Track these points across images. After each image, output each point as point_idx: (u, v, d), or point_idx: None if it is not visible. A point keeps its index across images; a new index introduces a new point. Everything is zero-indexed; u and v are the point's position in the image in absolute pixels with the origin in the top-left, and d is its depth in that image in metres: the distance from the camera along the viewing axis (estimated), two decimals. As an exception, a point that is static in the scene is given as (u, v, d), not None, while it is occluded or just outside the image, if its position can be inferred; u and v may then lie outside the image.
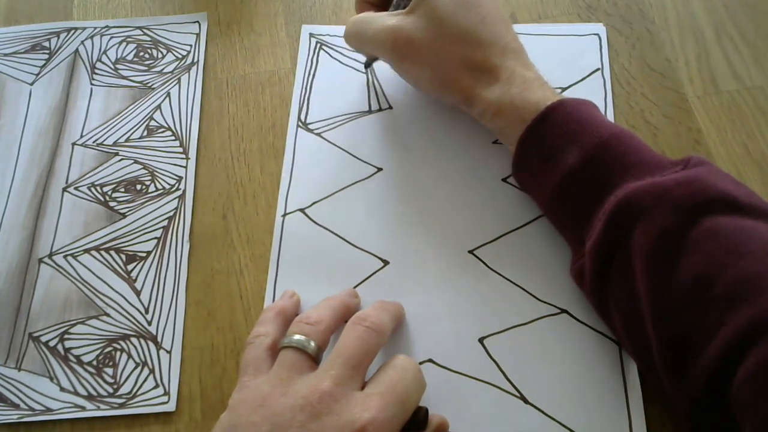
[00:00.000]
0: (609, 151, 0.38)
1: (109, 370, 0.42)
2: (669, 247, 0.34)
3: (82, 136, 0.51)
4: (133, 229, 0.47)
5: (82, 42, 0.55)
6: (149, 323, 0.44)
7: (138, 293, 0.45)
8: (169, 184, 0.49)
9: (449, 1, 0.42)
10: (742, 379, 0.29)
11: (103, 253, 0.46)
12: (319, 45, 0.54)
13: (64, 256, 0.46)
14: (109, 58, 0.54)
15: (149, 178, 0.49)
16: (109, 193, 0.48)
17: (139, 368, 0.42)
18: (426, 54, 0.43)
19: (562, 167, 0.39)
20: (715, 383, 0.31)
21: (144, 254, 0.46)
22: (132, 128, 0.51)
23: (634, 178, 0.37)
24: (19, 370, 0.43)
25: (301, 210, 0.47)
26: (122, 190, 0.49)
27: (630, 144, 0.38)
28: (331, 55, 0.53)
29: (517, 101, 0.40)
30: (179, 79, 0.53)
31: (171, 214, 0.47)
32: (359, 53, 0.50)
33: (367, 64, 0.51)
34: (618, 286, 0.36)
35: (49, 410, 0.41)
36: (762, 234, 0.33)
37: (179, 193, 0.48)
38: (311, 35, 0.54)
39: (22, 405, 0.41)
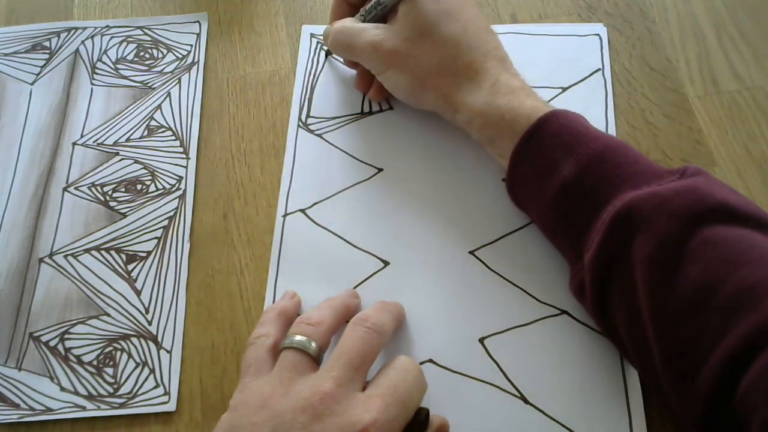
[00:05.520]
0: (605, 161, 0.37)
1: (110, 370, 0.42)
2: (669, 257, 0.34)
3: (82, 136, 0.51)
4: (134, 229, 0.47)
5: (83, 42, 0.55)
6: (149, 323, 0.44)
7: (138, 293, 0.45)
8: (169, 183, 0.49)
9: (432, 9, 0.43)
10: (750, 384, 0.29)
11: (103, 252, 0.46)
12: (319, 45, 0.54)
13: (65, 256, 0.46)
14: (109, 57, 0.54)
15: (149, 177, 0.49)
16: (110, 192, 0.48)
17: (140, 368, 0.42)
18: (408, 61, 0.44)
19: (558, 179, 0.38)
20: (721, 392, 0.31)
21: (144, 254, 0.46)
22: (132, 128, 0.51)
23: (632, 188, 0.36)
24: (20, 369, 0.43)
25: (302, 210, 0.47)
26: (122, 189, 0.49)
27: (626, 154, 0.38)
28: (331, 56, 0.53)
29: (505, 112, 0.40)
30: (180, 79, 0.53)
31: (171, 213, 0.47)
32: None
33: (328, 53, 0.53)
34: (620, 297, 0.36)
35: (49, 410, 0.41)
36: (759, 243, 0.33)
37: (179, 192, 0.48)
38: (312, 35, 0.54)
39: (23, 405, 0.42)
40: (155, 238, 0.47)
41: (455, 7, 0.44)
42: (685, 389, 0.33)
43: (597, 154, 0.38)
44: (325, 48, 0.53)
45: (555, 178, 0.38)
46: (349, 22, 0.47)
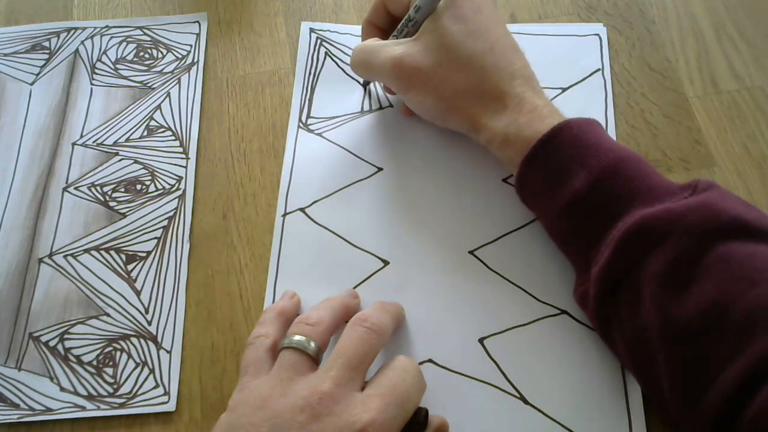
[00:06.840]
0: (617, 175, 0.37)
1: (109, 370, 0.42)
2: (681, 273, 0.33)
3: (82, 136, 0.51)
4: (133, 229, 0.47)
5: (82, 42, 0.55)
6: (149, 323, 0.44)
7: (138, 293, 0.45)
8: (169, 184, 0.49)
9: (457, 29, 0.41)
10: (764, 406, 0.29)
11: (103, 253, 0.46)
12: (319, 41, 0.53)
13: (64, 256, 0.46)
14: (109, 58, 0.54)
15: (149, 178, 0.49)
16: (109, 193, 0.48)
17: (139, 368, 0.42)
18: (431, 81, 0.42)
19: (569, 190, 0.38)
20: (731, 412, 0.30)
21: (144, 254, 0.46)
22: (132, 128, 0.51)
23: (643, 204, 0.36)
24: (19, 370, 0.43)
25: (302, 209, 0.47)
26: (122, 190, 0.49)
27: (638, 168, 0.37)
28: (331, 52, 0.53)
29: (525, 130, 0.40)
30: (179, 79, 0.53)
31: (171, 214, 0.47)
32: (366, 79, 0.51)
33: (366, 83, 0.51)
34: (625, 313, 0.36)
35: (49, 410, 0.41)
36: None
37: (179, 193, 0.48)
38: (311, 30, 0.54)
39: (22, 405, 0.42)
40: (155, 238, 0.47)
41: (482, 26, 0.42)
42: (692, 406, 0.32)
43: (609, 168, 0.37)
44: (361, 81, 0.51)
45: (566, 189, 0.38)
46: (371, 41, 0.45)
